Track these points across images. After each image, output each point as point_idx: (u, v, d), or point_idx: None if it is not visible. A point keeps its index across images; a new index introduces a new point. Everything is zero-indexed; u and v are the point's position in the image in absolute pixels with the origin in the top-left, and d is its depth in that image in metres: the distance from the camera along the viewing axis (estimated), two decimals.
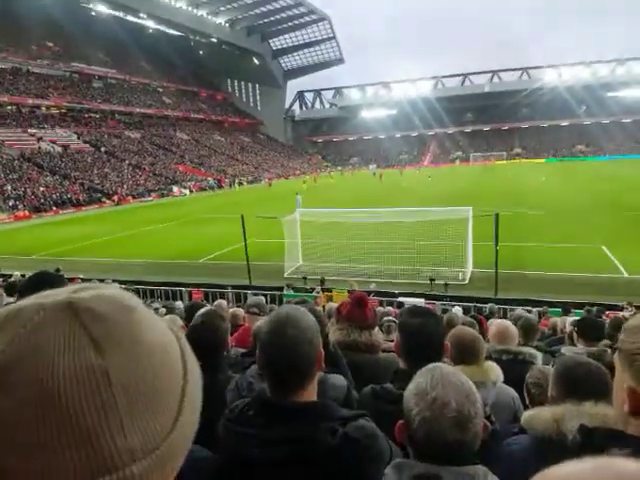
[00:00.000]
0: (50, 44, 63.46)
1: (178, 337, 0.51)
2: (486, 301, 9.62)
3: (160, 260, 17.57)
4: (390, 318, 5.05)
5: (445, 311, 7.94)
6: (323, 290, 11.55)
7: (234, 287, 12.48)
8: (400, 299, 10.03)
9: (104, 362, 0.41)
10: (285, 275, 14.42)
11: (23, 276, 11.08)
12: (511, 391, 2.41)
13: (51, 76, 60.56)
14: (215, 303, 6.84)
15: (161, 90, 79.18)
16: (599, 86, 79.48)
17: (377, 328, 3.97)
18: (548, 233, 18.24)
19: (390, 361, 2.55)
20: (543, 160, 72.74)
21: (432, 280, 12.71)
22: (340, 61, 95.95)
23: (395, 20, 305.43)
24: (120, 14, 65.86)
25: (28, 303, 0.44)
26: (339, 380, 1.98)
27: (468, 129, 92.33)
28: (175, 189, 49.35)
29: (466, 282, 12.99)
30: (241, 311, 5.22)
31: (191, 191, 50.57)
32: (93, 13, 63.56)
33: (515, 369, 2.77)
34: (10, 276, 11.88)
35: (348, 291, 9.58)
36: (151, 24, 70.95)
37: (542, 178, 43.28)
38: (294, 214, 16.13)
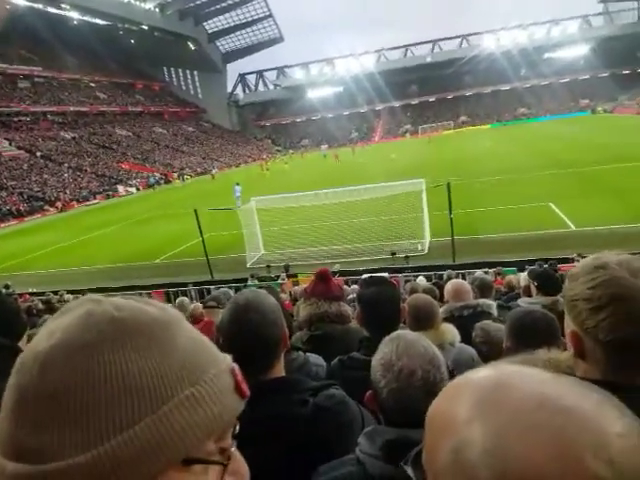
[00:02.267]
0: None
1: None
2: (445, 268, 9.90)
3: (115, 264, 16.97)
4: (354, 296, 5.10)
5: (408, 282, 8.15)
6: (288, 276, 11.55)
7: (196, 284, 12.23)
8: (365, 276, 10.14)
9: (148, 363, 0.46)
10: (248, 265, 14.27)
11: None
12: (470, 350, 2.48)
13: None
14: (177, 301, 6.72)
15: (94, 85, 74.93)
16: (535, 49, 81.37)
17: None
18: (498, 197, 18.85)
19: (360, 330, 2.64)
20: (488, 126, 74.31)
21: (393, 254, 13.00)
22: (280, 39, 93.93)
23: None
24: (40, 6, 61.43)
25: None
26: (319, 360, 2.06)
27: (414, 101, 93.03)
28: (121, 189, 47.48)
29: (425, 252, 13.30)
30: (200, 305, 5.13)
31: (138, 189, 48.82)
32: (8, 7, 58.97)
33: (477, 322, 2.86)
34: None
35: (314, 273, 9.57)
36: (75, 15, 66.76)
37: (487, 144, 44.59)
38: (249, 203, 15.91)
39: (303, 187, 22.03)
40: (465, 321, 2.94)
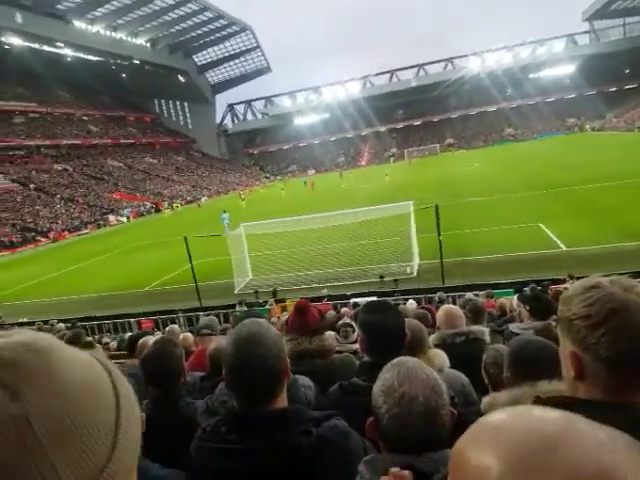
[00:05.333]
0: None
1: (109, 370, 0.51)
2: (435, 291, 9.88)
3: (105, 293, 16.86)
4: (346, 321, 5.05)
5: (397, 306, 8.10)
6: (276, 302, 11.47)
7: (185, 311, 12.15)
8: (353, 300, 10.12)
9: (22, 408, 0.40)
10: (235, 292, 14.21)
11: None
12: (460, 376, 2.44)
13: None
14: (167, 329, 6.65)
15: (86, 119, 75.62)
16: (520, 69, 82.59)
17: (332, 333, 3.98)
18: (487, 218, 18.95)
19: (345, 361, 2.62)
20: (479, 149, 74.69)
21: (382, 277, 12.94)
22: (267, 69, 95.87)
23: (321, 23, 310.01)
24: (36, 45, 62.50)
25: None
26: (307, 381, 2.05)
27: (400, 125, 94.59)
28: (112, 218, 47.50)
29: (414, 275, 13.27)
30: (190, 335, 5.10)
31: (128, 218, 48.78)
32: (6, 47, 59.93)
33: (469, 349, 2.85)
34: None
35: (300, 299, 9.53)
36: (69, 52, 67.79)
37: (475, 164, 45.32)
38: (238, 229, 15.94)
39: (285, 214, 22.04)
40: (458, 349, 2.89)
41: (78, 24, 59.68)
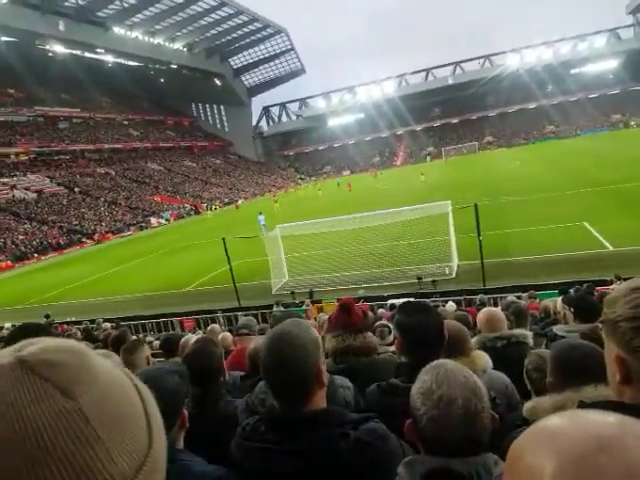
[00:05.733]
0: (11, 91, 62.54)
1: (122, 370, 0.55)
2: (476, 292, 9.69)
3: (148, 293, 17.40)
4: (383, 322, 5.04)
5: (436, 307, 7.99)
6: (313, 302, 11.54)
7: (224, 311, 12.40)
8: (391, 301, 10.06)
9: (76, 404, 0.44)
10: (273, 292, 14.36)
11: (14, 326, 10.84)
12: (503, 378, 2.40)
13: (16, 122, 59.62)
14: (208, 328, 6.85)
15: (127, 123, 78.50)
16: (560, 65, 79.95)
17: (370, 332, 3.98)
18: (530, 217, 18.42)
19: (387, 361, 2.60)
20: (519, 146, 72.61)
21: (419, 278, 12.75)
22: (302, 71, 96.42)
23: (355, 24, 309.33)
24: (78, 52, 65.33)
25: None
26: (346, 381, 2.03)
27: (437, 124, 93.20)
28: (153, 220, 48.93)
29: (453, 276, 13.03)
30: (229, 335, 5.23)
31: (168, 220, 50.16)
32: (50, 54, 62.88)
33: (511, 353, 2.78)
34: (1, 328, 11.63)
35: (337, 300, 9.56)
36: (109, 58, 70.43)
37: (516, 162, 44.11)
38: (274, 231, 16.14)
39: (321, 214, 22.08)
40: (498, 353, 2.83)
41: (117, 30, 61.79)
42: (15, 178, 50.75)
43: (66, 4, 53.31)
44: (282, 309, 10.79)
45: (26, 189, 48.97)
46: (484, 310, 3.47)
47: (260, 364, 1.39)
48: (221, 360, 2.42)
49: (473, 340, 2.99)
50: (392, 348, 3.56)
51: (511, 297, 8.06)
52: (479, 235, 11.80)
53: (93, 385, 0.47)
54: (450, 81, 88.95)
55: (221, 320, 11.80)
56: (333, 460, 1.28)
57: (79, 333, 9.30)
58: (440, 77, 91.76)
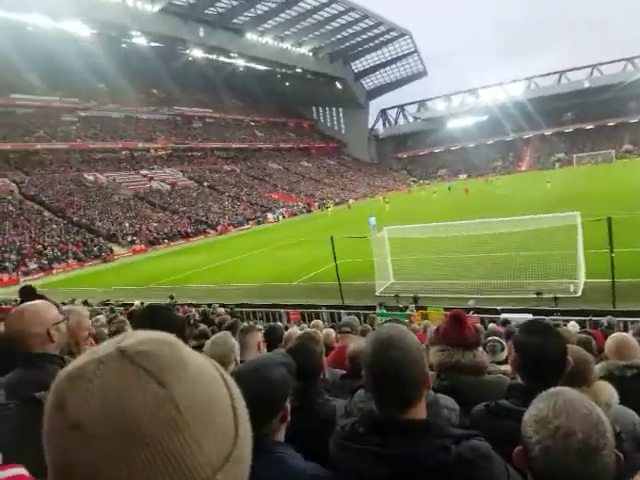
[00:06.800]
0: (154, 91, 70.72)
1: (212, 363, 0.57)
2: (603, 314, 8.68)
3: (259, 283, 18.43)
4: (496, 338, 4.72)
5: (557, 327, 7.30)
6: (417, 308, 11.25)
7: (328, 307, 12.64)
8: (504, 315, 9.42)
9: (169, 392, 0.47)
10: (376, 294, 14.29)
11: (142, 304, 12.25)
12: (631, 414, 2.12)
13: (157, 121, 67.52)
14: (312, 323, 7.11)
15: (253, 124, 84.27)
16: None
17: (481, 348, 3.76)
18: None
19: (497, 382, 2.40)
20: None
21: (539, 294, 11.77)
22: (424, 74, 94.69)
23: (479, 25, 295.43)
24: (213, 56, 71.43)
25: (85, 360, 0.50)
26: (451, 402, 1.94)
27: (569, 129, 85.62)
28: (269, 216, 51.69)
29: (578, 294, 11.83)
30: (332, 331, 5.39)
31: (283, 216, 52.61)
32: (190, 58, 69.61)
33: None
34: (132, 305, 13.16)
35: (445, 309, 9.23)
36: (241, 62, 75.72)
37: None
38: (382, 232, 16.03)
39: (433, 219, 21.42)
40: (628, 383, 2.55)
41: (250, 36, 66.38)
42: (153, 171, 57.41)
43: (207, 12, 58.55)
44: (385, 311, 10.72)
45: (162, 181, 54.95)
46: (614, 335, 3.16)
47: (364, 367, 1.38)
48: (321, 358, 2.46)
49: (598, 366, 2.70)
50: (503, 367, 3.33)
51: None
52: (611, 251, 10.60)
53: (184, 375, 0.50)
54: (586, 84, 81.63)
55: (324, 316, 12.04)
56: (431, 472, 1.23)
57: (197, 315, 10.15)
58: (574, 80, 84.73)
